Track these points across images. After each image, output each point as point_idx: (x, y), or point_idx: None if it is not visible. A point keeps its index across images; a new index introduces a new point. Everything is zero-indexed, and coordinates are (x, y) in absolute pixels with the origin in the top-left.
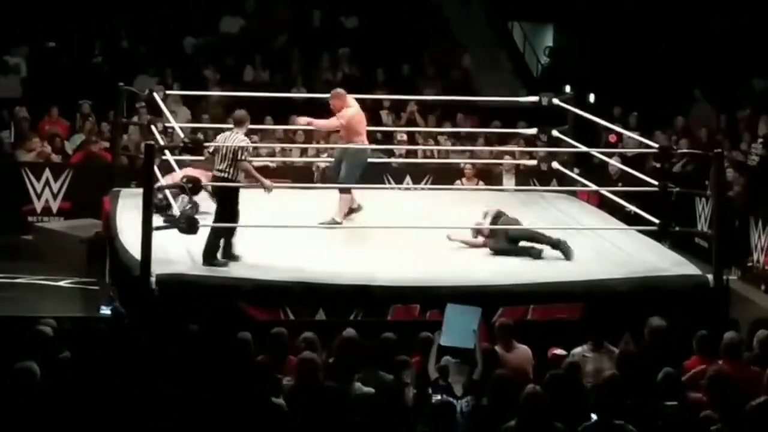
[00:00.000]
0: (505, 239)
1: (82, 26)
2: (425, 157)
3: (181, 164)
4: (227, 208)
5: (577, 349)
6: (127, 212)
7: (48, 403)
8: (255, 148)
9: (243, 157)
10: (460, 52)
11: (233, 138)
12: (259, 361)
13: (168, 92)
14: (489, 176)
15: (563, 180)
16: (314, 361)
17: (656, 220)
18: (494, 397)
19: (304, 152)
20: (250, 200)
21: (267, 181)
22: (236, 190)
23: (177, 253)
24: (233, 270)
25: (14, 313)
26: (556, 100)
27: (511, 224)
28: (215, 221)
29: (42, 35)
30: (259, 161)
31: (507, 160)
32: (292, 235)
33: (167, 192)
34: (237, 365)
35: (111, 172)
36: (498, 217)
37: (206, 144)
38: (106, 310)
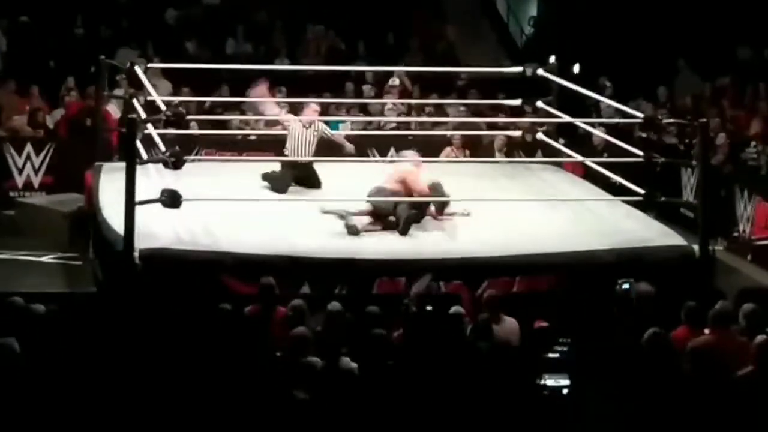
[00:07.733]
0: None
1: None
2: (410, 129)
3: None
4: None
5: None
6: (110, 186)
7: (29, 380)
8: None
9: None
10: (444, 23)
11: None
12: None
13: (149, 65)
14: (477, 147)
15: (548, 151)
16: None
17: (642, 191)
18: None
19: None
20: (233, 172)
21: None
22: None
23: (160, 227)
24: (217, 244)
25: None
26: (540, 71)
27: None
28: None
29: (21, 9)
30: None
31: (498, 132)
32: (276, 208)
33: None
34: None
35: (93, 145)
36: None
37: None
38: None
